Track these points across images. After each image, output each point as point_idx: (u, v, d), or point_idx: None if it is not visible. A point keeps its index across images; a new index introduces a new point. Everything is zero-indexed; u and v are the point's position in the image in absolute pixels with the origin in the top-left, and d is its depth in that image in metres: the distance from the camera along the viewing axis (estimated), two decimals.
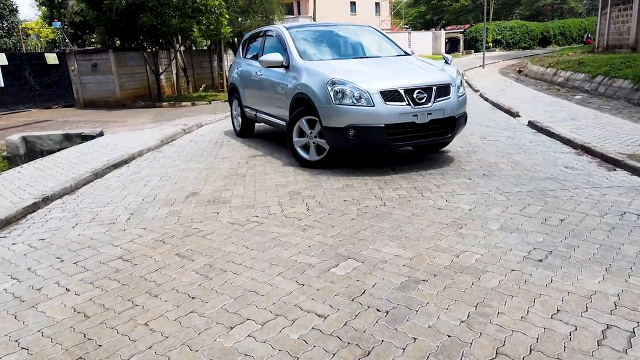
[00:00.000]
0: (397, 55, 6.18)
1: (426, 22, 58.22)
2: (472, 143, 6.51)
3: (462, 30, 48.54)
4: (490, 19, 45.13)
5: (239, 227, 3.75)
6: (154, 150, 7.21)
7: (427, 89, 5.01)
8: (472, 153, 5.94)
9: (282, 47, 6.11)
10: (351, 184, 4.78)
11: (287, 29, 6.29)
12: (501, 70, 21.59)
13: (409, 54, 6.28)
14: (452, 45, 46.86)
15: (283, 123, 6.01)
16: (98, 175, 5.73)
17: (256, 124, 7.75)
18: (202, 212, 4.17)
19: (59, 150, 8.67)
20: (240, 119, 7.75)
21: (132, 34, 16.77)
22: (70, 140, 10.08)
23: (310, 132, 5.37)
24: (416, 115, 4.91)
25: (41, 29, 32.17)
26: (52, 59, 18.98)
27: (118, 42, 18.69)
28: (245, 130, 7.72)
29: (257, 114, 6.95)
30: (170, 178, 5.44)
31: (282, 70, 5.95)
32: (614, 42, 20.35)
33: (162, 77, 19.03)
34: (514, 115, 8.90)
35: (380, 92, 4.85)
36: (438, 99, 5.06)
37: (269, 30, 6.77)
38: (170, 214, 4.17)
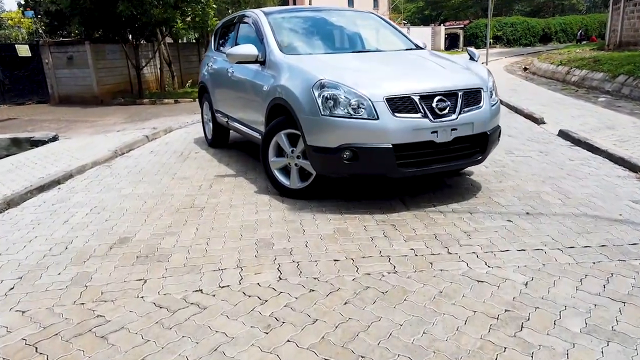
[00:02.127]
0: (407, 50, 4.80)
1: (425, 18, 56.83)
2: (498, 160, 5.15)
3: (462, 26, 47.17)
4: (489, 15, 43.83)
5: (166, 317, 2.38)
6: (102, 164, 5.81)
7: (451, 95, 3.65)
8: (502, 176, 4.58)
9: (258, 38, 4.71)
10: (345, 228, 3.41)
11: (266, 14, 4.90)
12: (506, 68, 20.27)
13: (421, 48, 4.91)
14: (451, 42, 45.47)
15: (258, 136, 4.64)
16: (12, 203, 4.34)
17: (232, 132, 6.37)
18: (123, 279, 2.80)
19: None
20: (211, 125, 6.35)
21: (111, 24, 15.33)
22: (19, 145, 8.66)
23: (292, 151, 3.99)
24: (436, 132, 3.55)
25: (21, 20, 30.48)
26: (23, 51, 17.46)
27: (99, 33, 17.21)
28: (218, 140, 6.33)
29: (229, 121, 5.56)
30: (104, 210, 4.06)
31: (257, 67, 4.57)
32: (628, 38, 19.01)
33: (146, 71, 17.62)
34: (538, 121, 7.55)
35: (386, 99, 3.48)
36: (465, 109, 3.70)
37: (244, 16, 5.37)
38: (75, 282, 2.80)
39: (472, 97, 3.77)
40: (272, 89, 4.14)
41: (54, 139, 8.28)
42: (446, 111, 3.59)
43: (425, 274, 2.71)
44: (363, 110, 3.48)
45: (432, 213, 3.67)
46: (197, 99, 15.13)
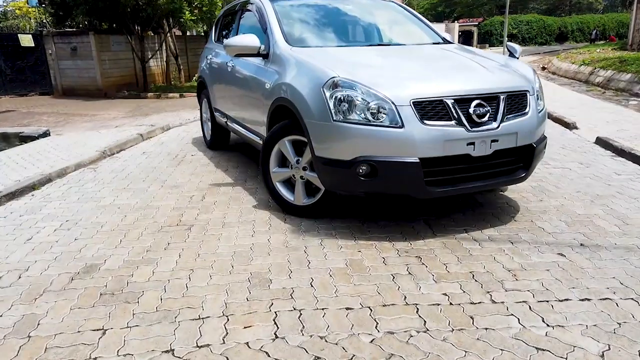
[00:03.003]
0: (434, 44, 4.14)
1: (438, 14, 55.78)
2: (534, 172, 4.48)
3: (477, 23, 46.18)
4: (506, 12, 42.83)
5: None
6: (86, 166, 5.22)
7: (491, 99, 3.00)
8: (542, 192, 3.93)
9: (262, 27, 4.08)
10: (359, 260, 2.78)
11: (271, 0, 4.25)
12: None
13: (449, 42, 4.24)
14: (465, 39, 44.50)
15: (259, 140, 4.01)
16: None
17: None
18: (77, 327, 2.19)
19: None
20: (210, 125, 5.74)
21: (115, 15, 14.77)
22: (7, 140, 8.11)
23: (297, 161, 3.36)
24: (473, 144, 2.90)
25: (29, 10, 30.02)
26: (26, 40, 16.98)
27: (104, 24, 16.68)
28: (217, 141, 5.71)
29: (228, 121, 4.94)
30: (76, 226, 3.46)
31: (259, 61, 3.94)
32: None
33: (152, 64, 17.08)
34: (570, 126, 6.86)
35: (413, 102, 2.84)
36: (508, 116, 3.05)
37: (247, 3, 4.73)
38: (17, 330, 2.19)
39: (516, 101, 3.11)
40: (275, 87, 3.51)
41: (45, 134, 7.71)
42: (485, 118, 2.94)
43: (465, 335, 2.07)
44: (384, 115, 2.84)
45: (464, 241, 3.03)
46: None
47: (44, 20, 21.65)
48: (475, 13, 53.57)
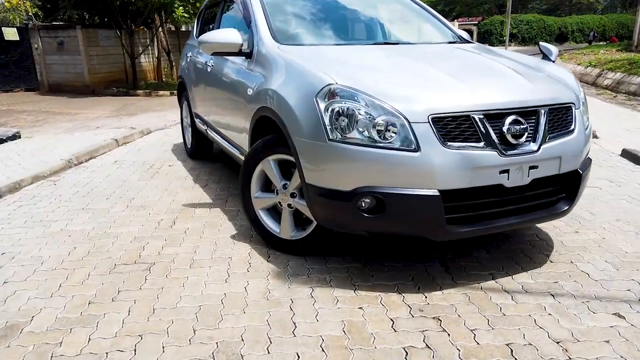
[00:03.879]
0: (450, 43, 3.50)
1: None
2: None
3: (476, 22, 45.60)
4: (507, 11, 42.36)
5: None
6: (46, 178, 4.55)
7: (530, 115, 2.37)
8: (576, 221, 3.30)
9: (245, 21, 3.42)
10: (361, 324, 2.14)
11: None
12: None
13: (468, 41, 3.60)
14: None
15: (240, 155, 3.37)
16: None
17: None
18: None
19: None
20: (190, 131, 5.08)
21: (104, 8, 14.09)
22: None
23: (284, 185, 2.72)
24: (507, 172, 2.27)
25: (19, 2, 29.14)
26: (10, 34, 16.21)
27: (92, 18, 15.98)
28: (199, 150, 5.05)
29: (208, 129, 4.29)
30: (11, 262, 2.81)
31: (241, 61, 3.29)
32: None
33: (143, 60, 16.38)
34: None
35: (432, 118, 2.19)
36: (551, 136, 2.41)
37: None
38: None
39: (559, 117, 2.48)
40: (258, 94, 2.86)
41: (14, 137, 7.01)
42: (522, 139, 2.31)
43: None
44: (394, 134, 2.19)
45: (493, 293, 2.39)
46: None
47: (30, 14, 20.87)
48: (474, 12, 53.00)
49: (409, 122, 2.18)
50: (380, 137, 2.21)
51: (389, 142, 2.20)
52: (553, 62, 3.06)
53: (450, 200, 2.23)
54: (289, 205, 2.73)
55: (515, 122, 2.29)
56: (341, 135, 2.26)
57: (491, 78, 2.57)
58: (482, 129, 2.24)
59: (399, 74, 2.55)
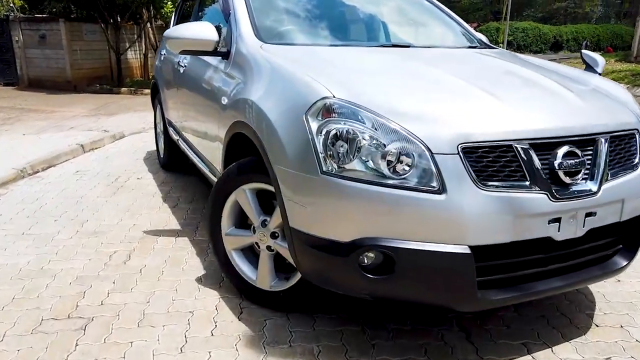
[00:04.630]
0: (471, 47, 2.92)
1: None
2: None
3: (472, 28, 45.28)
4: (503, 19, 42.23)
5: None
6: None
7: (586, 144, 1.79)
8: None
9: (224, 14, 2.81)
10: None
11: None
12: None
13: (491, 46, 3.03)
14: None
15: (213, 177, 2.77)
16: None
17: None
18: None
19: None
20: (163, 139, 4.46)
21: (89, 1, 13.44)
22: None
23: (264, 222, 2.12)
24: (557, 221, 1.69)
25: None
26: None
27: (81, 12, 15.30)
28: (172, 160, 4.44)
29: (180, 140, 3.68)
30: None
31: (217, 62, 2.69)
32: None
33: (130, 56, 15.70)
34: None
35: (463, 148, 1.61)
36: (612, 171, 1.84)
37: None
38: None
39: (621, 147, 1.91)
40: (234, 105, 2.27)
41: None
42: (579, 176, 1.73)
43: None
44: (410, 168, 1.61)
45: None
46: None
47: (13, 5, 20.06)
48: (470, 18, 52.69)
49: (431, 153, 1.60)
50: (390, 170, 1.63)
51: (403, 179, 1.62)
52: (599, 74, 2.50)
53: (483, 258, 1.65)
54: (269, 248, 2.14)
55: (569, 154, 1.72)
56: (338, 167, 1.67)
57: (535, 95, 1.99)
58: (528, 164, 1.66)
59: (417, 86, 1.96)
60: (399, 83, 1.98)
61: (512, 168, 1.66)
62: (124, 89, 13.73)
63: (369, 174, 1.64)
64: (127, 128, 6.69)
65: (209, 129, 2.68)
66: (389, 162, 1.63)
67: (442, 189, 1.59)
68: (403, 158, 1.62)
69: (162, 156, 4.62)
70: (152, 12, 15.06)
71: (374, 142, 1.64)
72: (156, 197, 3.81)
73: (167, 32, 2.55)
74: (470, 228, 1.59)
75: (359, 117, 1.68)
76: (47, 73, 15.02)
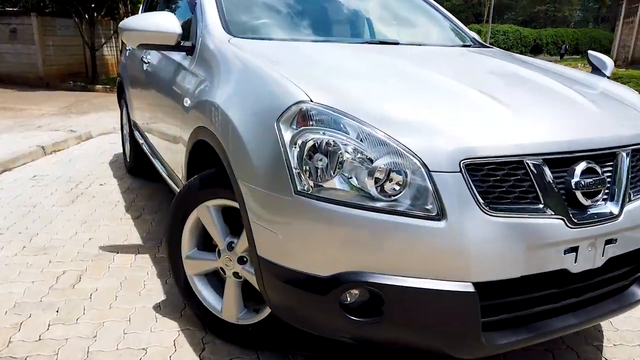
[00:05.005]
0: (465, 46, 2.66)
1: None
2: None
3: None
4: (484, 21, 42.40)
5: None
6: None
7: (605, 159, 1.53)
8: None
9: (190, 5, 2.49)
10: None
11: None
12: None
13: (486, 45, 2.77)
14: None
15: (175, 187, 2.46)
16: None
17: None
18: None
19: None
20: (130, 141, 4.11)
21: None
22: None
23: (230, 244, 1.81)
24: (574, 250, 1.43)
25: None
26: None
27: (55, 7, 14.75)
28: (139, 164, 4.09)
29: (145, 145, 3.35)
30: None
31: (181, 57, 2.37)
32: None
33: (105, 52, 15.24)
34: None
35: (467, 165, 1.33)
36: (635, 190, 1.58)
37: None
38: None
39: None
40: (197, 107, 1.96)
41: None
42: (598, 197, 1.47)
43: None
44: (402, 189, 1.33)
45: None
46: None
47: None
48: None
49: (428, 170, 1.32)
50: (378, 191, 1.35)
51: (393, 201, 1.34)
52: (607, 78, 2.26)
53: (488, 296, 1.38)
54: (236, 275, 1.83)
55: (588, 171, 1.45)
56: (315, 186, 1.38)
57: (545, 101, 1.72)
58: (542, 183, 1.39)
59: (410, 90, 1.68)
60: (389, 86, 1.69)
61: (524, 188, 1.39)
62: (98, 87, 13.27)
63: (352, 195, 1.36)
64: (96, 128, 6.31)
65: (172, 134, 2.36)
66: (376, 181, 1.35)
67: (440, 214, 1.31)
68: (393, 176, 1.34)
69: (128, 160, 4.27)
70: (129, 7, 14.60)
71: (359, 156, 1.36)
72: (119, 206, 3.47)
73: (122, 23, 2.22)
74: (474, 262, 1.32)
75: (341, 126, 1.39)
76: (18, 69, 14.48)
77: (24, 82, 13.86)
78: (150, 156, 3.12)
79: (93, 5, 13.84)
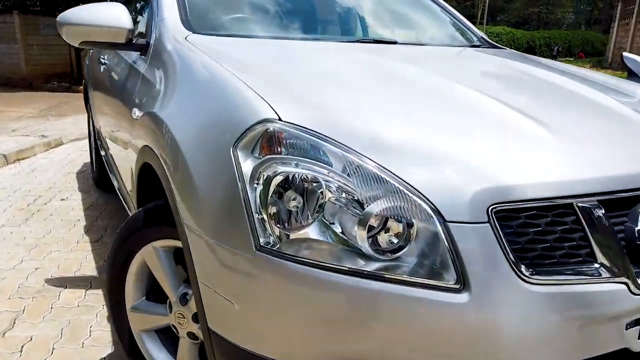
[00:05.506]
0: (472, 47, 2.27)
1: None
2: None
3: None
4: (478, 23, 42.23)
5: None
6: None
7: None
8: None
9: None
10: None
11: None
12: None
13: (496, 45, 2.39)
14: None
15: (129, 211, 2.05)
16: None
17: None
18: None
19: None
20: (95, 150, 3.70)
21: None
22: None
23: (183, 296, 1.41)
24: (638, 323, 1.03)
25: None
26: None
27: (38, 4, 14.35)
28: (104, 176, 3.65)
29: (105, 155, 2.94)
30: None
31: (136, 56, 1.97)
32: None
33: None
34: None
35: (496, 212, 0.94)
36: None
37: None
38: None
39: None
40: (144, 122, 1.56)
41: None
42: None
43: None
44: (405, 243, 0.94)
45: None
46: None
47: None
48: None
49: (442, 219, 0.93)
50: (372, 247, 0.95)
51: (392, 260, 0.94)
52: None
53: None
54: (191, 335, 1.43)
55: None
56: (285, 238, 0.98)
57: (593, 120, 1.33)
58: (597, 233, 1.00)
59: (414, 104, 1.28)
60: (387, 98, 1.30)
61: (574, 243, 1.00)
62: (82, 87, 12.83)
63: (334, 252, 0.96)
64: (71, 132, 5.89)
65: (123, 151, 1.96)
66: (370, 228, 0.96)
67: (461, 284, 0.92)
68: (393, 226, 0.95)
69: (94, 170, 3.85)
70: None
71: (344, 196, 0.97)
72: (77, 226, 3.06)
73: (60, 16, 1.82)
74: (509, 349, 0.93)
75: (322, 154, 1.00)
76: (0, 69, 14.06)
77: (6, 83, 13.41)
78: (109, 171, 2.71)
79: (79, 4, 13.41)
